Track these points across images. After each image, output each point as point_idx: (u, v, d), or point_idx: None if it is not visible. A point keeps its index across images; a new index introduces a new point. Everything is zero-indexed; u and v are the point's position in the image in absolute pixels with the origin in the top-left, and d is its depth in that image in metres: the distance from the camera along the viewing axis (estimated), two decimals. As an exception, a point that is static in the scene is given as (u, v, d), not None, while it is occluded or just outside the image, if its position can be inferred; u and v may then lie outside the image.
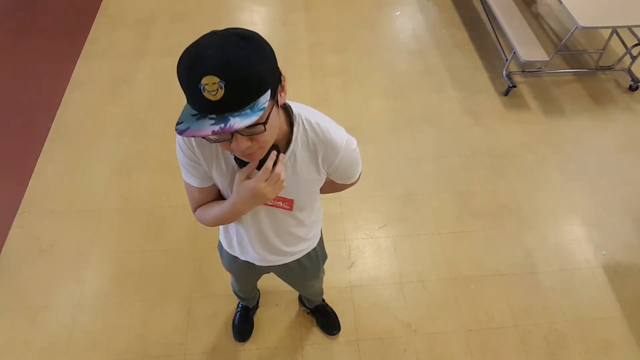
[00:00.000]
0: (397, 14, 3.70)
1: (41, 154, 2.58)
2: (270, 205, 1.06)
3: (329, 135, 0.96)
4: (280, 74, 0.79)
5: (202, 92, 0.68)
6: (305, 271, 1.41)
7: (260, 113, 0.71)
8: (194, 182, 1.02)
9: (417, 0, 3.81)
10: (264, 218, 1.11)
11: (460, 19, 3.64)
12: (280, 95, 0.80)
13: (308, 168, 0.99)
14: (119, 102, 2.88)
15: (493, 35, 3.45)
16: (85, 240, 2.23)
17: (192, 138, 0.95)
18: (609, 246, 2.29)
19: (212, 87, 0.67)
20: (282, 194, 1.02)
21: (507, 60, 3.10)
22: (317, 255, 1.40)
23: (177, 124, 0.73)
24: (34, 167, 2.51)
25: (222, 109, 0.69)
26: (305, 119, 0.94)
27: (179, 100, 3.39)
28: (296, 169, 0.97)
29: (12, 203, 2.35)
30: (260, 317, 2.01)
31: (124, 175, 2.50)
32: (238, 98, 0.70)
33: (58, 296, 2.04)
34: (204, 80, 0.67)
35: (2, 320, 1.97)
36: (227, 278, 2.11)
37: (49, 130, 2.70)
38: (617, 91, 3.10)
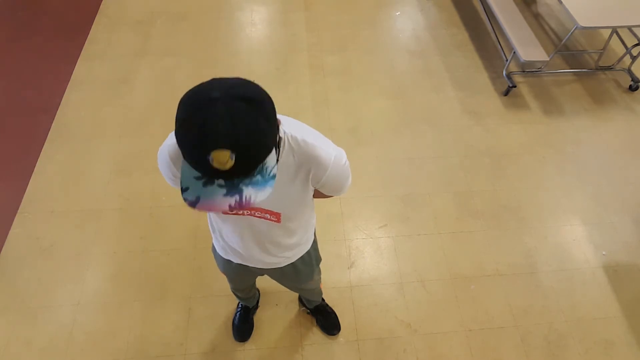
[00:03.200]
0: (397, 14, 3.70)
1: (41, 154, 2.58)
2: (259, 217, 1.05)
3: (315, 152, 0.94)
4: (276, 115, 0.77)
5: (210, 162, 0.66)
6: (299, 274, 1.41)
7: (273, 182, 0.71)
8: (173, 185, 1.06)
9: (417, 0, 3.81)
10: (254, 227, 1.10)
11: (460, 19, 3.64)
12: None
13: (293, 184, 0.97)
14: (119, 102, 2.88)
15: (493, 35, 3.45)
16: (85, 240, 2.23)
17: (170, 160, 0.95)
18: (609, 246, 2.29)
19: (222, 158, 0.66)
20: (268, 207, 1.01)
21: (507, 60, 3.10)
22: (311, 258, 1.40)
23: (183, 190, 0.71)
24: (34, 167, 2.51)
25: (230, 176, 0.69)
26: (292, 136, 0.93)
27: (179, 100, 3.36)
28: (280, 185, 0.96)
29: (12, 203, 2.35)
30: (260, 317, 2.01)
31: (124, 175, 2.50)
32: (247, 166, 0.69)
33: (58, 296, 2.04)
34: (214, 154, 0.65)
35: (2, 320, 1.97)
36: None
37: (49, 130, 2.70)
38: (617, 91, 3.10)
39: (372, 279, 2.15)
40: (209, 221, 1.26)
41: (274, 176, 0.72)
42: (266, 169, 0.72)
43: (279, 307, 2.04)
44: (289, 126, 0.94)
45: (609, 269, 2.21)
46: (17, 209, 2.34)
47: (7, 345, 1.90)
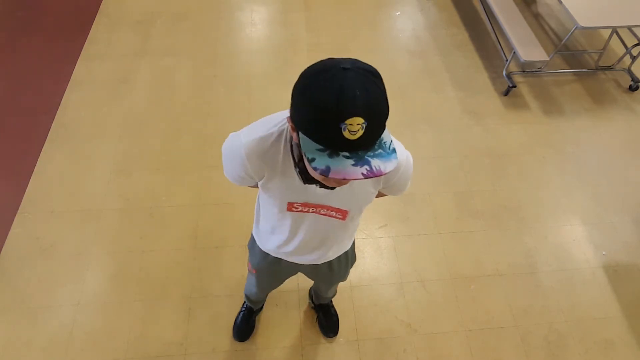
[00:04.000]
0: (397, 14, 3.70)
1: (41, 154, 2.58)
2: (324, 215, 1.06)
3: None
4: None
5: (342, 131, 0.66)
6: (333, 272, 1.40)
7: (396, 155, 0.71)
8: (236, 183, 1.06)
9: (417, 0, 3.81)
10: (316, 225, 1.11)
11: (460, 19, 3.64)
12: None
13: (365, 183, 0.98)
14: (119, 102, 2.88)
15: (493, 35, 3.45)
16: (85, 240, 2.23)
17: (248, 161, 0.93)
18: (609, 246, 2.29)
19: (355, 127, 0.65)
20: (337, 205, 1.02)
21: (507, 60, 3.10)
22: (348, 259, 1.40)
23: (310, 161, 0.70)
24: (34, 167, 2.51)
25: (355, 147, 0.68)
26: None
27: (179, 100, 3.35)
28: (354, 182, 0.96)
29: (12, 203, 2.35)
30: (260, 317, 2.01)
31: (124, 175, 2.50)
32: (372, 138, 0.70)
33: (58, 296, 2.04)
34: (349, 121, 0.65)
35: (2, 320, 1.97)
36: (227, 278, 2.11)
37: (49, 130, 2.70)
38: (617, 91, 3.10)
39: (372, 279, 2.15)
40: (255, 213, 1.24)
41: (394, 150, 0.72)
42: (385, 143, 0.72)
43: (279, 307, 2.04)
44: None
45: (609, 269, 2.21)
46: (17, 209, 2.34)
47: (7, 345, 1.90)
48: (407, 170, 1.00)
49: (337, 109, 0.65)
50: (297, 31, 3.45)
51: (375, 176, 0.69)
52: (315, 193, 0.98)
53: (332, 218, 1.07)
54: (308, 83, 0.69)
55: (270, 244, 1.26)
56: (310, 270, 1.38)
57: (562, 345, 1.97)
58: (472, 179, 2.56)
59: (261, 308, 2.01)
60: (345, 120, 0.65)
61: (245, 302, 1.95)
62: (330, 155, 0.69)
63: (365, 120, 0.66)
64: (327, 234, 1.15)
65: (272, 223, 1.17)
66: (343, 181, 0.79)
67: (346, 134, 0.66)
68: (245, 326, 1.95)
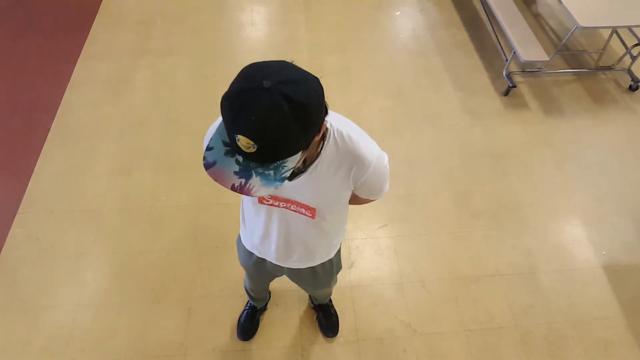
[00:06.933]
0: (397, 14, 3.70)
1: (41, 154, 2.58)
2: (294, 211, 1.06)
3: (359, 149, 0.95)
4: (323, 120, 0.79)
5: (237, 141, 0.71)
6: (317, 279, 1.40)
7: (281, 184, 0.74)
8: None
9: (417, 0, 3.81)
10: (287, 223, 1.11)
11: (460, 19, 3.64)
12: (317, 135, 0.80)
13: (333, 179, 0.98)
14: (119, 102, 2.88)
15: (493, 35, 3.45)
16: (85, 240, 2.23)
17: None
18: (609, 246, 2.29)
19: (245, 143, 0.70)
20: (305, 201, 1.02)
21: (507, 60, 3.10)
22: (332, 266, 1.40)
23: (207, 149, 0.75)
24: (34, 167, 2.51)
25: (250, 159, 0.73)
26: (337, 130, 0.94)
27: (179, 100, 3.35)
28: (320, 179, 0.97)
29: (12, 203, 2.35)
30: (260, 317, 2.01)
31: (124, 175, 2.50)
32: (267, 159, 0.73)
33: (58, 296, 2.04)
34: (239, 137, 0.70)
35: (2, 320, 1.97)
36: (227, 278, 2.11)
37: (49, 130, 2.70)
38: (617, 91, 3.10)
39: (372, 279, 2.15)
40: (241, 210, 1.28)
41: (283, 179, 0.75)
42: (282, 168, 0.74)
43: (279, 307, 2.04)
44: (336, 120, 0.95)
45: (609, 269, 2.21)
46: (17, 209, 2.34)
47: (7, 345, 1.90)
48: (378, 169, 0.98)
49: (232, 123, 0.70)
50: (297, 31, 3.45)
51: (242, 193, 0.73)
52: (283, 186, 0.98)
53: (302, 215, 1.07)
54: (234, 83, 0.72)
55: (254, 238, 1.27)
56: (293, 274, 1.39)
57: (562, 345, 1.97)
58: (472, 179, 2.56)
59: (265, 308, 2.01)
60: (236, 135, 0.70)
61: (248, 300, 1.95)
62: (227, 154, 0.75)
63: (255, 143, 0.69)
64: (301, 234, 1.15)
65: (250, 219, 1.20)
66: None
67: (239, 144, 0.71)
68: (249, 325, 1.95)
